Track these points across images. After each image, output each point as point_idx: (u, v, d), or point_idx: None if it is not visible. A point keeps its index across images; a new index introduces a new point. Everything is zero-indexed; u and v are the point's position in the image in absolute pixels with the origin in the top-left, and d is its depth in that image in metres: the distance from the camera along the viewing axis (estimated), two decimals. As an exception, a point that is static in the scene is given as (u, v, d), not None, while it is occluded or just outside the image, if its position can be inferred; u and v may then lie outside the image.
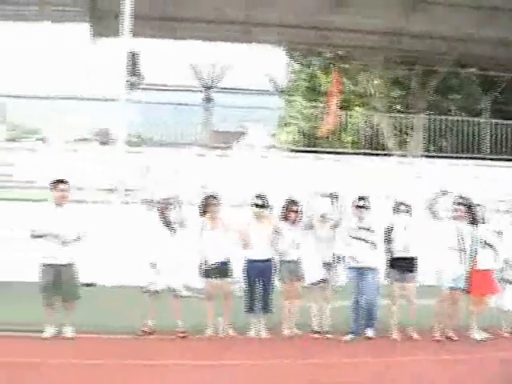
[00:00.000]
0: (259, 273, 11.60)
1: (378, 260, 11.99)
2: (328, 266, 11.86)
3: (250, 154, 22.26)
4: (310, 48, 30.06)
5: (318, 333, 11.76)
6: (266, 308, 11.65)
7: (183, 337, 11.22)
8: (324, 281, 11.84)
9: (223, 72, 27.01)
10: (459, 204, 11.99)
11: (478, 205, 12.32)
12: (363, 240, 11.82)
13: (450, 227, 11.88)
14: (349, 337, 11.67)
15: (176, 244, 11.49)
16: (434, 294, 12.05)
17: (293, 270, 11.87)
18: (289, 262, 11.87)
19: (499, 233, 12.03)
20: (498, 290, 12.06)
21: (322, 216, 11.96)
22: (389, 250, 11.96)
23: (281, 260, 11.93)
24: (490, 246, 11.89)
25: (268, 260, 11.69)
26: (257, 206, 11.77)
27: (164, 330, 11.37)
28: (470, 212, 12.04)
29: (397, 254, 11.88)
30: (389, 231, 11.97)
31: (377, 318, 11.93)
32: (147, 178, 11.73)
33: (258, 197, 11.90)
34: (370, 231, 11.89)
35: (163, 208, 11.53)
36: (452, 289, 11.73)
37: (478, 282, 11.79)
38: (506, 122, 25.67)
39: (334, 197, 12.12)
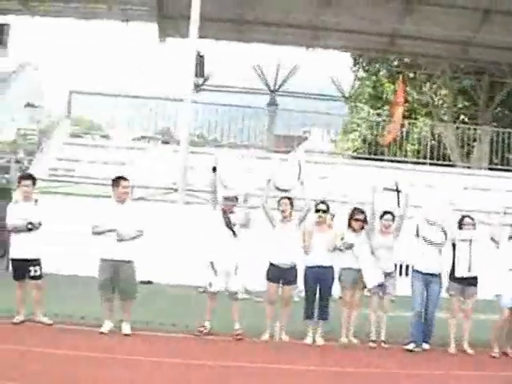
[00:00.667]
0: (318, 279, 11.47)
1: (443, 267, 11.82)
2: (388, 274, 11.74)
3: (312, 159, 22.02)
4: (377, 55, 29.91)
5: (375, 342, 11.62)
6: (322, 315, 11.53)
7: (239, 339, 11.18)
8: (382, 288, 11.71)
9: (288, 76, 27.01)
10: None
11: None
12: (434, 244, 11.65)
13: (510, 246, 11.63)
14: (411, 346, 11.53)
15: (237, 245, 11.44)
16: (493, 309, 11.83)
17: (354, 278, 11.74)
18: (350, 269, 11.73)
19: None
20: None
21: (386, 217, 11.84)
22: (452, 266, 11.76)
23: (343, 268, 11.80)
24: None
25: (328, 267, 11.57)
26: (320, 211, 11.67)
27: (220, 332, 11.34)
28: None
29: (459, 274, 11.65)
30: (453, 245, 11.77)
31: (434, 329, 11.78)
32: (212, 178, 11.59)
33: (322, 202, 11.82)
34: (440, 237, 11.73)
35: (227, 208, 11.51)
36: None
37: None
38: None
39: (398, 191, 12.02)
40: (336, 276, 11.79)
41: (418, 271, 11.73)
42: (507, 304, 11.42)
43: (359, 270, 11.71)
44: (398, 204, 12.05)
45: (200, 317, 11.46)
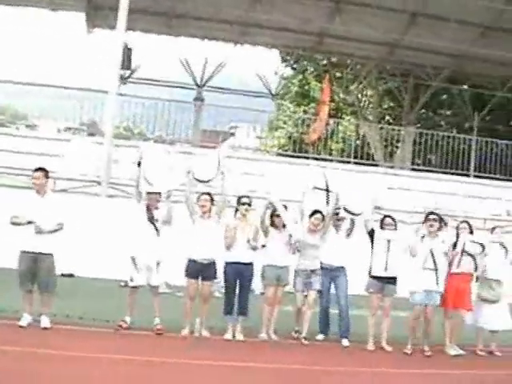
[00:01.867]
0: (238, 275, 11.49)
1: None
2: (313, 271, 11.86)
3: (236, 155, 22.10)
4: (304, 53, 30.11)
5: (296, 338, 11.77)
6: (242, 311, 11.54)
7: (159, 334, 11.14)
8: (307, 285, 11.87)
9: (215, 71, 26.97)
10: (434, 220, 11.96)
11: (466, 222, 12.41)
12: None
13: (425, 243, 11.84)
14: (320, 337, 11.75)
15: (159, 241, 11.38)
16: (409, 307, 12.06)
17: (277, 275, 11.82)
18: (273, 266, 11.81)
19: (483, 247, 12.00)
20: (471, 306, 12.06)
21: (316, 216, 11.94)
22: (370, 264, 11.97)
23: (265, 264, 11.87)
24: (471, 255, 11.89)
25: (248, 263, 11.57)
26: (243, 204, 11.70)
27: (141, 327, 11.26)
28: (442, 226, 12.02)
29: (375, 273, 11.86)
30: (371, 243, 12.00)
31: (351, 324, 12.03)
32: (137, 173, 11.50)
33: (245, 196, 11.85)
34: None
35: (150, 204, 11.44)
36: (425, 305, 11.70)
37: (451, 296, 11.80)
38: (493, 140, 25.78)
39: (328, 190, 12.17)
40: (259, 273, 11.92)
41: (323, 267, 11.94)
42: (418, 301, 11.67)
43: (282, 267, 11.83)
44: (327, 203, 12.16)
45: (121, 311, 11.39)
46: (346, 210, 12.03)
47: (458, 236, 12.07)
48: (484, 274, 12.13)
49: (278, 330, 11.84)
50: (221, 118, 28.69)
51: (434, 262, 11.60)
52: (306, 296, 11.88)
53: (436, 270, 11.60)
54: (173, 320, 11.51)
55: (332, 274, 11.98)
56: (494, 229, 12.76)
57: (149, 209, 11.36)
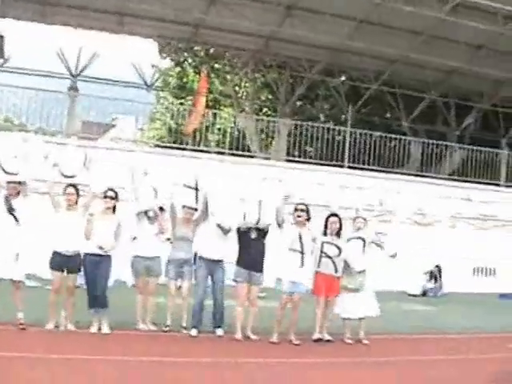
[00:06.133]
0: (95, 267, 11.31)
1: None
2: (185, 261, 12.09)
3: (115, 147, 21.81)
4: (182, 44, 29.99)
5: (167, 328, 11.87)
6: (101, 303, 11.36)
7: (22, 328, 10.85)
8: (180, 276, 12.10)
9: (90, 61, 26.48)
10: (302, 210, 12.11)
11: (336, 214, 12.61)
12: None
13: (291, 233, 12.02)
14: (194, 332, 11.76)
15: (18, 232, 11.05)
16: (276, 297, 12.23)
17: (146, 266, 11.89)
18: (141, 257, 11.87)
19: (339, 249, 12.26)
20: (338, 292, 12.30)
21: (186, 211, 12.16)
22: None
23: (134, 255, 11.92)
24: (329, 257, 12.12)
25: (104, 255, 11.42)
26: (105, 197, 11.61)
27: (3, 321, 10.96)
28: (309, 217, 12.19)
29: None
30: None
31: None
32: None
33: (110, 190, 11.74)
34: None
35: (10, 193, 11.10)
36: (291, 293, 11.84)
37: (319, 284, 12.02)
38: (367, 131, 26.29)
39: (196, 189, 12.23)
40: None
41: (202, 258, 12.01)
42: (286, 289, 11.79)
43: (152, 258, 11.89)
44: (197, 201, 12.20)
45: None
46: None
47: (326, 227, 12.30)
48: (346, 267, 12.40)
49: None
50: (102, 110, 28.23)
51: (302, 244, 11.82)
52: (180, 286, 11.97)
53: (302, 253, 11.82)
54: (40, 314, 11.31)
55: (210, 266, 12.02)
56: (355, 219, 12.95)
57: (7, 199, 11.03)
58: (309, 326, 12.04)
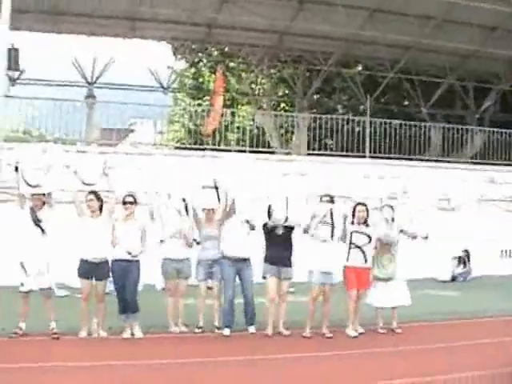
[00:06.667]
0: (124, 272, 11.33)
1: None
2: (215, 261, 12.10)
3: (134, 152, 21.81)
4: (196, 45, 29.96)
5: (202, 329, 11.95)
6: (132, 308, 11.40)
7: (56, 338, 10.90)
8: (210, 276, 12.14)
9: (106, 68, 26.52)
10: (328, 202, 12.09)
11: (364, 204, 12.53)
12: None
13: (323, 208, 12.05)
14: (227, 331, 11.78)
15: (46, 242, 11.14)
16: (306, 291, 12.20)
17: (176, 268, 11.91)
18: (170, 259, 11.90)
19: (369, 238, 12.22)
20: (369, 285, 12.27)
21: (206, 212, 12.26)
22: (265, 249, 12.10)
23: (164, 258, 11.95)
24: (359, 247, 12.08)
25: (132, 260, 11.43)
26: (124, 203, 11.63)
27: (37, 332, 11.02)
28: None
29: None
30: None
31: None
32: (16, 177, 11.22)
33: (128, 195, 11.76)
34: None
35: (35, 205, 11.16)
36: (323, 284, 11.82)
37: (350, 278, 11.98)
38: (386, 120, 26.14)
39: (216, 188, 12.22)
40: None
41: (227, 257, 12.01)
42: (317, 280, 11.75)
43: (182, 260, 11.91)
44: (219, 200, 12.19)
45: (15, 318, 11.12)
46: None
47: (353, 216, 12.29)
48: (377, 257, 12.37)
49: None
50: (120, 116, 28.18)
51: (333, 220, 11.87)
52: (210, 287, 12.01)
53: (333, 226, 11.94)
54: (72, 323, 11.37)
55: (237, 265, 12.02)
56: (382, 207, 12.90)
57: (33, 210, 11.10)
58: (340, 318, 12.02)
